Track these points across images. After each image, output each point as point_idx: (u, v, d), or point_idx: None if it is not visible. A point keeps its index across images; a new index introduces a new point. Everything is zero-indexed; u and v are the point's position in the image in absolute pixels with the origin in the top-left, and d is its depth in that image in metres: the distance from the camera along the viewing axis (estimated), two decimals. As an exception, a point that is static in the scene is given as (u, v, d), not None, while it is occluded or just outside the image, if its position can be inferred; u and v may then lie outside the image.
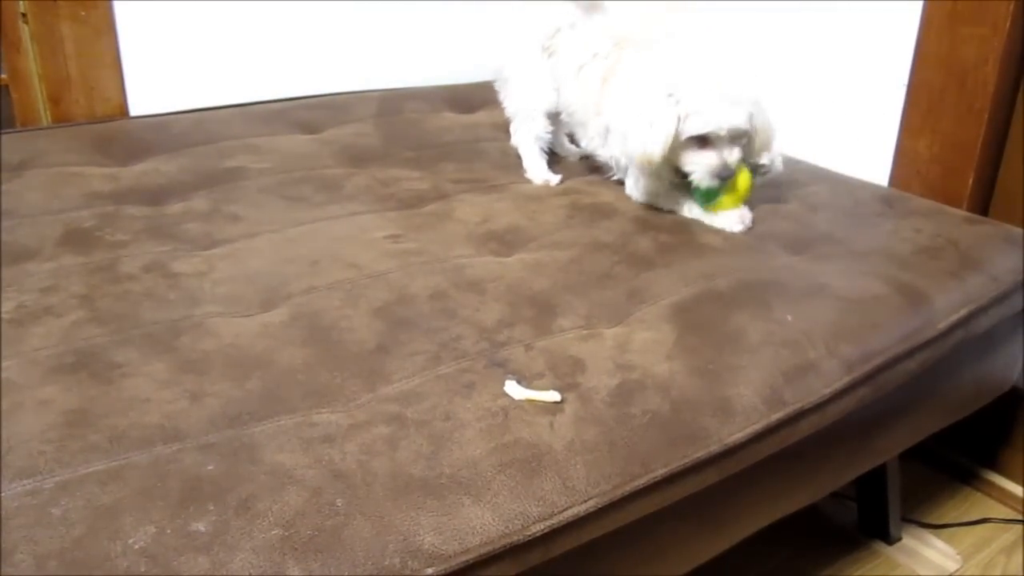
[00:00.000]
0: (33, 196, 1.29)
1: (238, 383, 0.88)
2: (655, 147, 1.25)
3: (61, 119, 1.64)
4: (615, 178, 1.47)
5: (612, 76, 1.38)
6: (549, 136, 1.54)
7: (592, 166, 1.55)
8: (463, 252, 1.19)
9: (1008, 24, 1.40)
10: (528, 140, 1.53)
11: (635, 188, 1.41)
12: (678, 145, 1.27)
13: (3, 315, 0.97)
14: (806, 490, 1.13)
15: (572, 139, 1.65)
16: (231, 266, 1.12)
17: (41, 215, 1.23)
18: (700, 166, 1.27)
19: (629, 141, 1.29)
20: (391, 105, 1.83)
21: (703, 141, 1.26)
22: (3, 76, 1.60)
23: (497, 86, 1.60)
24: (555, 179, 1.49)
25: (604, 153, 1.46)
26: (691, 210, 1.36)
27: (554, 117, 1.55)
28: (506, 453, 0.82)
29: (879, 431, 1.19)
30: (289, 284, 1.08)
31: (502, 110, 1.59)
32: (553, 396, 0.89)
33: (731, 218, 1.31)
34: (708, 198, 1.31)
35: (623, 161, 1.41)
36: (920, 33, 1.51)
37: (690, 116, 1.24)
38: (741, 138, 1.28)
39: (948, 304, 1.17)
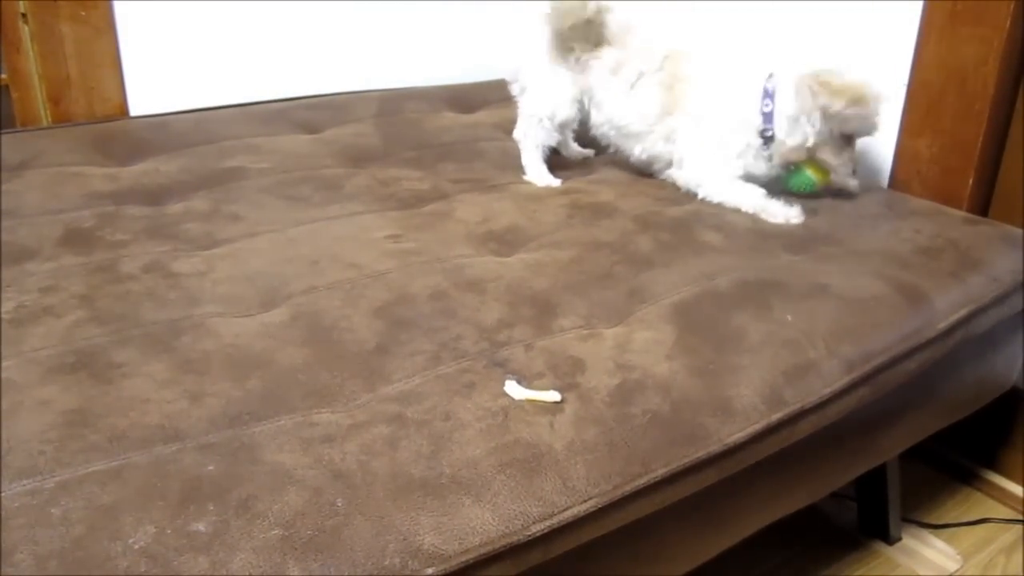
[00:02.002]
0: (33, 196, 1.29)
1: (238, 383, 0.88)
2: (807, 140, 1.38)
3: (61, 119, 1.64)
4: (671, 179, 1.50)
5: (680, 81, 1.45)
6: (554, 143, 1.54)
7: (635, 169, 1.55)
8: (463, 252, 1.19)
9: (1008, 24, 1.40)
10: (532, 145, 1.52)
11: (703, 175, 1.44)
12: (821, 142, 1.38)
13: (3, 315, 0.97)
14: (806, 490, 1.14)
15: (578, 139, 1.65)
16: (231, 266, 1.12)
17: (41, 215, 1.23)
18: (845, 166, 1.41)
19: (786, 136, 1.39)
20: (391, 105, 1.83)
21: (848, 140, 1.38)
22: (3, 76, 1.60)
23: (512, 84, 1.58)
24: (556, 182, 1.49)
25: (668, 151, 1.49)
26: (753, 200, 1.40)
27: (564, 127, 1.54)
28: (506, 453, 0.82)
29: (879, 431, 1.19)
30: (289, 284, 1.08)
31: (502, 110, 1.59)
32: (553, 396, 0.89)
33: (790, 212, 1.38)
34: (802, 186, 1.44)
35: (689, 149, 1.46)
36: (920, 33, 1.51)
37: (853, 117, 1.36)
38: None
39: (948, 304, 1.17)
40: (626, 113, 1.49)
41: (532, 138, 1.52)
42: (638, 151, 1.52)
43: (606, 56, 1.48)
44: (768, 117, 1.40)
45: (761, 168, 1.44)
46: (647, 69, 1.47)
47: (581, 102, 1.52)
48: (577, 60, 1.49)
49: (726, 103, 1.43)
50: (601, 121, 1.53)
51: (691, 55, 1.47)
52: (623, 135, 1.53)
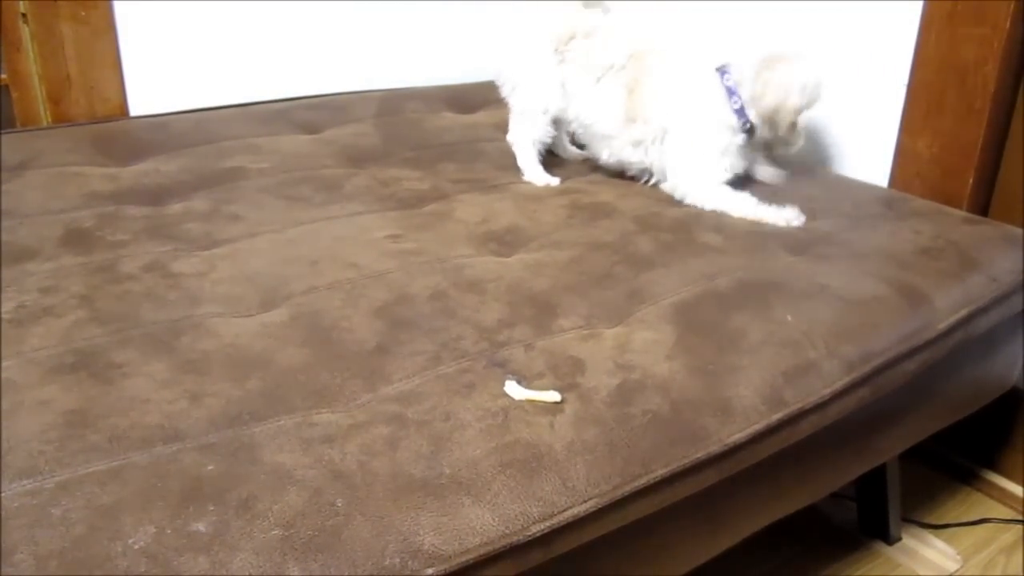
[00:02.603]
0: (33, 196, 1.29)
1: (238, 383, 0.88)
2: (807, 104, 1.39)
3: (61, 119, 1.64)
4: (652, 183, 1.49)
5: (641, 85, 1.43)
6: (549, 140, 1.54)
7: (612, 172, 1.55)
8: (463, 252, 1.19)
9: (1008, 24, 1.40)
10: (527, 143, 1.51)
11: (690, 185, 1.43)
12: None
13: (3, 315, 0.97)
14: (806, 490, 1.13)
15: (574, 140, 1.65)
16: (231, 266, 1.12)
17: (41, 215, 1.23)
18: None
19: (788, 98, 1.38)
20: (391, 105, 1.83)
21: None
22: (3, 76, 1.60)
23: (501, 84, 1.57)
24: (555, 181, 1.49)
25: (637, 159, 1.48)
26: (745, 208, 1.39)
27: (558, 122, 1.54)
28: (506, 453, 0.82)
29: (879, 431, 1.19)
30: (289, 284, 1.08)
31: (502, 110, 1.59)
32: (553, 396, 0.89)
33: (789, 214, 1.37)
34: None
35: (672, 162, 1.44)
36: (920, 33, 1.51)
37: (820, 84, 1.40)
38: None
39: (948, 305, 1.17)
40: (592, 110, 1.49)
41: (527, 136, 1.51)
42: (606, 155, 1.52)
43: (577, 47, 1.48)
44: (741, 112, 1.41)
45: (741, 164, 1.46)
46: (613, 64, 1.46)
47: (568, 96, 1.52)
48: (556, 50, 1.49)
49: (698, 107, 1.42)
50: (572, 116, 1.53)
51: (656, 55, 1.45)
52: (590, 134, 1.53)
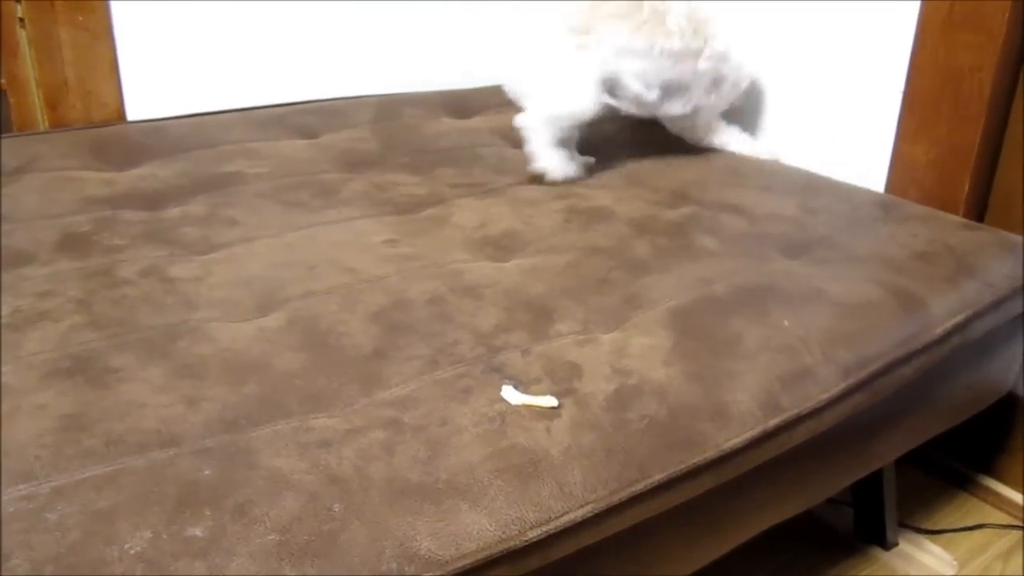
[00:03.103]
0: (30, 201, 1.29)
1: (235, 388, 0.88)
2: None
3: (58, 124, 1.64)
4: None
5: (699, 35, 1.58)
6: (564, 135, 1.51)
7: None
8: (460, 257, 1.19)
9: (1004, 30, 1.40)
10: (543, 128, 1.47)
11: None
12: None
13: (0, 320, 0.97)
14: (803, 496, 1.14)
15: (578, 147, 1.65)
16: (228, 271, 1.12)
17: (38, 220, 1.23)
18: None
19: None
20: (389, 110, 1.83)
21: None
22: (1, 81, 1.60)
23: (515, 89, 1.53)
24: (572, 171, 1.47)
25: (690, 123, 1.68)
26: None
27: (583, 122, 1.51)
28: (503, 458, 0.82)
29: (876, 436, 1.19)
30: (286, 289, 1.08)
31: (500, 115, 1.59)
32: (550, 401, 0.89)
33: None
34: None
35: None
36: (916, 39, 1.52)
37: None
38: None
39: (945, 310, 1.17)
40: (641, 85, 1.52)
41: (547, 136, 1.48)
42: (660, 113, 1.62)
43: (616, 27, 1.47)
44: None
45: None
46: (654, 47, 1.50)
47: (605, 82, 1.49)
48: (579, 45, 1.45)
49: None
50: (614, 91, 1.52)
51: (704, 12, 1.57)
52: (640, 105, 1.56)
